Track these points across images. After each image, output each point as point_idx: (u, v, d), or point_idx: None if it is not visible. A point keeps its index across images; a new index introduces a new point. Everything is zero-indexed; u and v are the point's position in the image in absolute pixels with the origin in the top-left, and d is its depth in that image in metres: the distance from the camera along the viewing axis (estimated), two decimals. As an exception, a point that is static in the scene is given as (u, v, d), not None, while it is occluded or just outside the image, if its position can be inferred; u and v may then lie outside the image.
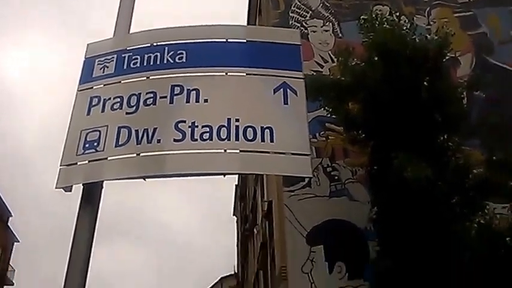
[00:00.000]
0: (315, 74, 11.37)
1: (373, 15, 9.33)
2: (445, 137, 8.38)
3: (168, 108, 3.90)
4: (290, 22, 12.96)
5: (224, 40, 4.28)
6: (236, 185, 29.16)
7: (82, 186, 3.75)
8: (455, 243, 7.25)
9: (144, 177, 3.82)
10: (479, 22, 13.19)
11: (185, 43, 4.24)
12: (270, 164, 3.88)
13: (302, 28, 12.62)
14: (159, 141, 3.74)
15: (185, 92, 3.94)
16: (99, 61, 4.22)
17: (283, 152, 3.79)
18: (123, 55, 4.20)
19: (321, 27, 13.08)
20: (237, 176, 27.41)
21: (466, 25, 13.02)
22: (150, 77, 4.09)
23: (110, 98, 4.00)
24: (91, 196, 3.74)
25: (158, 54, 4.16)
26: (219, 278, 36.47)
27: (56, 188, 3.72)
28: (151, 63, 4.13)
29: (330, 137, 11.30)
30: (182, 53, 4.15)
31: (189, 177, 3.99)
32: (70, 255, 3.53)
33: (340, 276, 9.83)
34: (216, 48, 4.25)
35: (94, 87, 4.12)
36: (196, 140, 3.70)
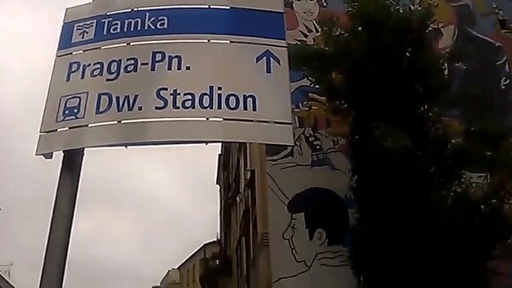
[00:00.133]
0: (299, 43, 11.31)
1: (358, -16, 9.22)
2: (426, 107, 8.51)
3: (150, 75, 3.86)
4: (274, -11, 12.72)
5: (207, 6, 4.21)
6: (219, 154, 29.23)
7: (63, 153, 3.73)
8: (432, 211, 7.48)
9: (125, 145, 3.82)
10: (462, -6, 13.19)
11: (167, 9, 4.16)
12: (252, 132, 3.91)
13: (286, -4, 12.45)
14: (140, 108, 3.72)
15: (167, 59, 3.90)
16: (78, 26, 4.12)
17: (265, 120, 3.82)
18: (102, 20, 4.11)
19: (306, -5, 12.90)
20: (220, 145, 27.47)
21: (449, -4, 13.01)
22: (131, 43, 4.02)
23: (89, 64, 3.93)
24: (72, 163, 3.73)
25: (139, 19, 4.08)
26: (202, 244, 37.04)
27: (36, 154, 3.70)
28: (132, 29, 4.05)
29: (312, 107, 11.34)
30: (164, 19, 4.08)
31: (171, 145, 4.00)
32: (52, 223, 3.55)
33: (320, 243, 10.10)
34: (198, 14, 4.18)
35: (73, 53, 4.04)
36: (179, 107, 3.69)
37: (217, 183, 32.26)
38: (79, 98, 3.79)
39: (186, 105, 3.69)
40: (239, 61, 4.03)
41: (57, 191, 3.66)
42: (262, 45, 4.03)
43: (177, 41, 4.06)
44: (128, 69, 3.88)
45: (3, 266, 30.31)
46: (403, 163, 7.57)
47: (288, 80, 4.01)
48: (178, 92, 3.73)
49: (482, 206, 7.89)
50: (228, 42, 4.09)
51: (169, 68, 3.87)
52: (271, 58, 3.99)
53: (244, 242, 15.46)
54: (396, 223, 7.58)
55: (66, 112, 3.76)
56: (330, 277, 9.63)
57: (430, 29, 9.22)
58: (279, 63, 3.99)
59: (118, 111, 3.73)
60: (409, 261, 7.28)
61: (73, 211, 3.64)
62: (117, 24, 4.08)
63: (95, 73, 3.91)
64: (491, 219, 7.70)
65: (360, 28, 8.84)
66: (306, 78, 9.90)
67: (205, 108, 3.70)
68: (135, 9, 4.16)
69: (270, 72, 3.94)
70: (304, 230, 10.25)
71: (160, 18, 4.08)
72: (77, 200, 3.70)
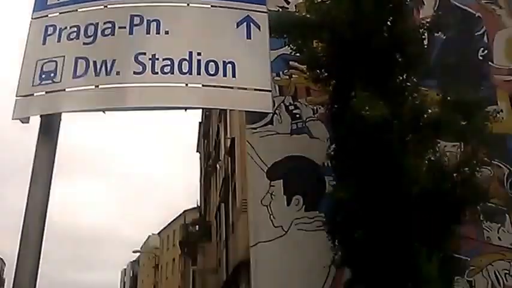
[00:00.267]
0: (280, 10, 11.18)
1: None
2: (404, 77, 8.60)
3: (128, 40, 3.81)
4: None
5: (187, -31, 4.12)
6: (200, 123, 29.14)
7: (40, 118, 3.70)
8: (406, 178, 7.70)
9: (103, 110, 3.80)
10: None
11: (145, -29, 4.06)
12: (231, 99, 3.93)
13: (269, -40, 12.17)
14: (118, 73, 3.68)
15: (145, 22, 3.84)
16: (53, -13, 4.00)
17: (244, 87, 3.83)
18: (79, -19, 3.99)
19: (289, -40, 12.65)
20: (200, 113, 27.32)
21: (431, -35, 12.93)
22: (108, 6, 3.93)
23: (66, 27, 3.85)
24: (49, 128, 3.70)
25: (116, -19, 3.98)
26: (183, 211, 37.42)
27: (12, 119, 3.66)
28: (110, -9, 3.96)
29: (293, 76, 11.35)
30: (142, -19, 3.98)
31: (150, 111, 4.00)
32: (30, 187, 3.56)
33: (297, 209, 10.34)
34: (177, -23, 4.10)
35: (49, 16, 3.94)
36: (157, 73, 3.66)
37: (197, 151, 32.31)
38: (55, 62, 3.73)
39: (165, 71, 3.67)
40: (219, 26, 3.99)
41: (35, 156, 3.65)
42: (242, 10, 4.00)
43: (155, 4, 3.99)
44: (105, 32, 3.81)
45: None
46: (380, 132, 7.71)
47: (268, 47, 4.00)
48: (157, 57, 3.70)
49: (454, 174, 8.13)
50: (209, 6, 4.04)
51: (148, 32, 3.83)
52: (251, 24, 3.97)
53: (223, 208, 15.69)
54: (371, 189, 7.79)
55: (43, 76, 3.71)
56: (306, 241, 9.92)
57: (411, -2, 9.22)
58: (259, 29, 3.97)
59: (95, 75, 3.69)
60: (382, 225, 7.54)
61: (51, 176, 3.65)
62: (94, -15, 3.97)
63: (71, 36, 3.83)
64: (462, 186, 7.97)
65: (341, -5, 8.76)
66: (287, 46, 9.85)
67: (185, 74, 3.69)
68: (113, -30, 4.05)
69: (250, 38, 3.93)
70: (282, 197, 10.45)
71: (138, -20, 3.99)
72: (55, 165, 3.70)
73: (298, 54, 9.85)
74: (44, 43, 3.85)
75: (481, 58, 12.12)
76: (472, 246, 9.75)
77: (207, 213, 24.10)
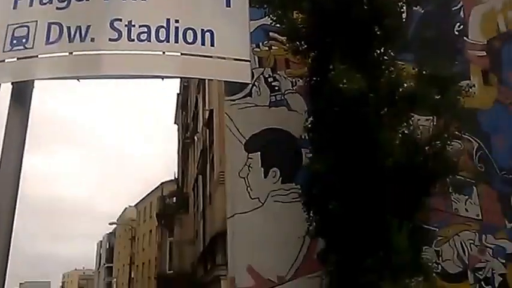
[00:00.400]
0: (261, -21, 10.98)
1: None
2: (382, 50, 8.65)
3: (103, 5, 3.70)
4: None
5: None
6: (178, 94, 28.81)
7: (12, 85, 3.61)
8: (381, 151, 7.85)
9: (77, 78, 3.73)
10: None
11: None
12: (209, 68, 3.90)
13: None
14: (93, 39, 3.60)
15: (121, -13, 3.74)
16: None
17: (223, 56, 3.80)
18: None
19: None
20: (179, 84, 26.98)
21: None
22: (82, -31, 3.79)
23: (38, -10, 3.71)
24: (21, 96, 3.62)
25: None
26: (160, 183, 37.38)
27: (-18, 85, 3.55)
28: (83, -48, 3.81)
29: (272, 47, 11.26)
30: None
31: (126, 79, 3.94)
32: (2, 156, 3.50)
33: (274, 181, 10.46)
34: None
35: (19, -22, 3.78)
36: (133, 40, 3.60)
37: (175, 123, 32.06)
38: (27, 27, 3.61)
39: (142, 38, 3.61)
40: (197, -7, 3.91)
41: (7, 125, 3.58)
42: (222, -23, 3.92)
43: (132, -32, 3.87)
44: (80, -3, 3.70)
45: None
46: (356, 105, 7.79)
47: (247, 16, 3.96)
48: (133, 23, 3.62)
49: (426, 148, 8.32)
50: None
51: (124, -2, 3.73)
52: (231, -9, 3.90)
53: (201, 180, 15.75)
54: (347, 162, 7.93)
55: (14, 42, 3.59)
56: (282, 213, 10.09)
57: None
58: (239, -4, 3.92)
59: (69, 41, 3.60)
60: (357, 197, 7.73)
61: (23, 145, 3.59)
62: None
63: (44, 1, 3.71)
64: (433, 159, 8.18)
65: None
66: (267, 17, 9.74)
67: (162, 41, 3.64)
68: None
69: (229, 7, 3.88)
70: (260, 169, 10.54)
71: None
72: (27, 133, 3.64)
73: (278, 25, 9.76)
74: (15, 7, 3.72)
75: (456, 33, 12.25)
76: (440, 218, 10.10)
77: (184, 185, 24.14)
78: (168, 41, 3.63)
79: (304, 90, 10.33)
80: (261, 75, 11.10)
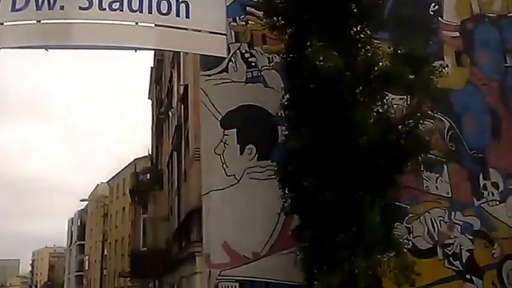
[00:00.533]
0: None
1: None
2: (358, 28, 8.64)
3: (72, -30, 3.52)
4: None
5: None
6: (152, 68, 28.23)
7: (-26, 54, 3.41)
8: (356, 129, 7.91)
9: (46, 47, 3.57)
10: None
11: None
12: (184, 41, 3.81)
13: None
14: (62, 7, 3.44)
15: (92, -48, 3.55)
16: None
17: (199, 29, 3.70)
18: None
19: None
20: (153, 58, 26.40)
21: None
22: None
23: (1, -47, 3.49)
24: (-14, 65, 3.43)
25: None
26: (133, 159, 36.94)
27: None
28: None
29: (249, 22, 11.08)
30: None
31: (97, 50, 3.79)
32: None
33: (250, 158, 10.45)
34: None
35: None
36: (105, 9, 3.46)
37: (149, 98, 31.52)
38: (-10, -9, 3.40)
39: (114, 7, 3.48)
40: (172, -38, 3.76)
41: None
42: None
43: None
44: (47, -39, 3.50)
45: None
46: (333, 83, 7.79)
47: (224, -12, 3.84)
48: (104, -9, 3.46)
49: (399, 126, 8.44)
50: None
51: (95, -36, 3.55)
52: (207, -39, 3.77)
53: (176, 156, 15.60)
54: (323, 140, 7.98)
55: (-25, 7, 3.38)
56: (257, 190, 10.13)
57: None
58: (215, -33, 3.79)
59: (37, 9, 3.43)
60: (331, 174, 7.81)
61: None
62: None
63: (8, -36, 3.49)
64: (406, 138, 8.32)
65: None
66: (244, -9, 9.54)
67: (135, 12, 3.52)
68: None
69: (205, -22, 3.75)
70: (236, 146, 10.49)
71: None
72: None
73: (255, 0, 9.58)
74: (-25, -30, 3.48)
75: (432, 13, 12.33)
76: (411, 195, 10.37)
77: (158, 162, 23.92)
78: (141, 11, 3.52)
79: (280, 67, 10.25)
80: (238, 51, 10.93)
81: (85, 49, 3.76)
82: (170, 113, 18.39)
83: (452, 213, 10.89)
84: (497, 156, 11.53)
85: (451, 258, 10.61)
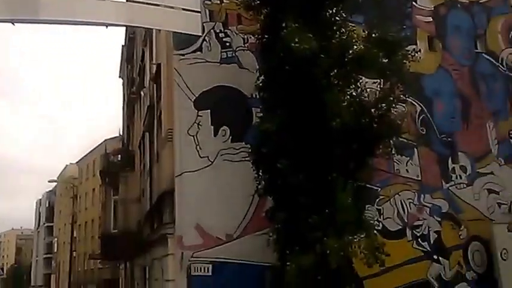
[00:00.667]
0: None
1: None
2: (334, 10, 8.59)
3: None
4: None
5: None
6: (123, 46, 27.48)
7: None
8: (329, 112, 7.94)
9: (12, 21, 3.37)
10: None
11: None
12: (157, 18, 3.67)
13: None
14: (28, -21, 3.23)
15: None
16: None
17: (172, 6, 3.57)
18: None
19: None
20: (124, 35, 25.67)
21: None
22: None
23: None
24: None
25: None
26: (103, 140, 36.18)
27: None
28: None
29: (224, 1, 10.86)
30: None
31: (66, 25, 3.61)
32: None
33: (224, 139, 10.37)
34: None
35: None
36: (74, -18, 3.27)
37: (120, 77, 30.77)
38: None
39: (84, -20, 3.28)
40: None
41: None
42: None
43: None
44: None
45: None
46: (307, 65, 7.76)
47: (199, -37, 3.70)
48: (73, -38, 3.27)
49: (372, 110, 8.51)
50: None
51: None
52: None
53: (148, 137, 15.35)
54: (297, 122, 7.98)
55: None
56: (231, 171, 10.10)
57: None
58: None
59: (0, -20, 3.20)
60: (305, 156, 7.84)
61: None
62: None
63: None
64: (378, 121, 8.41)
65: None
66: (218, -32, 9.29)
67: (106, -15, 3.33)
68: None
69: (180, -48, 3.60)
70: (210, 127, 10.39)
71: None
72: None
73: (230, -23, 9.37)
74: None
75: (407, -3, 12.40)
76: (382, 178, 10.56)
77: (130, 143, 23.51)
78: (113, -15, 3.33)
79: (256, 48, 10.14)
80: (212, 30, 10.71)
81: (53, 24, 3.57)
82: (142, 93, 18.01)
83: (422, 195, 11.18)
84: (466, 141, 11.85)
85: (419, 239, 10.92)
